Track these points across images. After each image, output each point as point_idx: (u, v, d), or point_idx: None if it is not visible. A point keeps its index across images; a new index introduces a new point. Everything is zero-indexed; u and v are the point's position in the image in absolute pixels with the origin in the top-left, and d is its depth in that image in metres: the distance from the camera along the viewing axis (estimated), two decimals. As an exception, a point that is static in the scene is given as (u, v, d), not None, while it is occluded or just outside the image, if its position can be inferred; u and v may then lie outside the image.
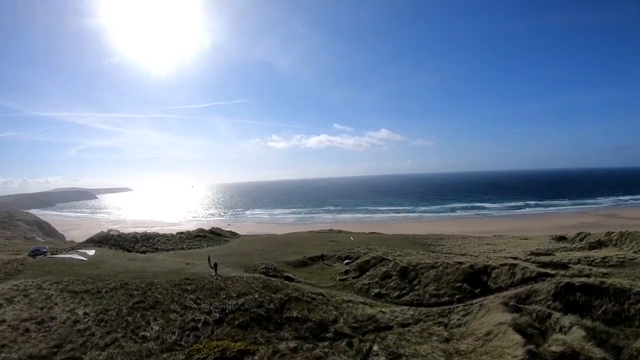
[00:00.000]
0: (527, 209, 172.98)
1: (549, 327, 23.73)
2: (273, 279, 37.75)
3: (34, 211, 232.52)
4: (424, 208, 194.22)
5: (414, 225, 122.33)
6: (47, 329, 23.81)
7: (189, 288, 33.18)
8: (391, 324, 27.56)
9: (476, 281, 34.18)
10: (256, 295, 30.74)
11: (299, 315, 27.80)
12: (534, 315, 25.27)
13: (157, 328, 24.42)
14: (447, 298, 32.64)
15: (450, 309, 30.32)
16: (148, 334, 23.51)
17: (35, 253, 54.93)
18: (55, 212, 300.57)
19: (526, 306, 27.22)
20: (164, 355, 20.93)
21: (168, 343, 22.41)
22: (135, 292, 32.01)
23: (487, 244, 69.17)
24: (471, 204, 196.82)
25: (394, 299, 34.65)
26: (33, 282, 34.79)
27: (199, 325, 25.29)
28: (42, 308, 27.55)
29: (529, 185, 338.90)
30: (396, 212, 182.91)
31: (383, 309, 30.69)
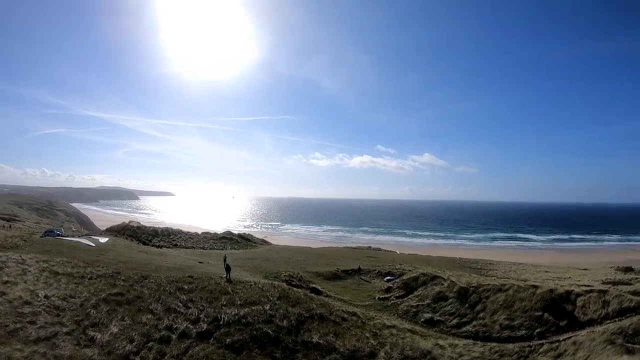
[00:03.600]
0: (572, 243, 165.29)
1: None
2: (295, 289, 30.68)
3: (76, 204, 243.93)
4: (464, 236, 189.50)
5: (454, 252, 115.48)
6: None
7: (185, 287, 27.08)
8: (455, 366, 19.78)
9: (559, 311, 27.66)
10: (267, 307, 23.82)
11: (321, 341, 20.57)
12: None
13: (115, 330, 18.33)
14: (524, 331, 26.22)
15: (531, 346, 23.79)
16: (99, 337, 17.46)
17: (47, 234, 53.09)
18: (96, 208, 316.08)
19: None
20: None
21: (115, 354, 16.03)
22: (121, 283, 26.88)
23: (545, 272, 60.06)
24: (513, 235, 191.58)
25: (452, 328, 28.19)
26: (21, 257, 31.73)
27: (174, 336, 18.83)
28: (4, 282, 23.66)
29: (573, 218, 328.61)
30: (435, 238, 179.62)
31: (440, 342, 23.56)
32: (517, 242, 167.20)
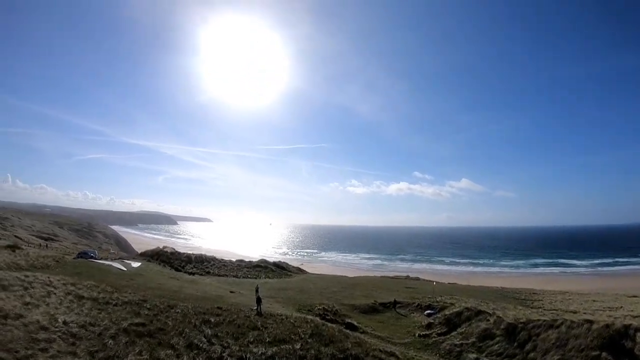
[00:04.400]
0: (617, 267, 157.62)
1: None
2: (330, 324, 28.28)
3: (115, 227, 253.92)
4: (504, 262, 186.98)
5: (494, 280, 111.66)
6: (1, 325, 17.88)
7: (212, 320, 25.47)
8: None
9: (617, 348, 24.35)
10: (297, 346, 21.58)
11: (357, 391, 17.97)
12: None
13: (130, 366, 16.66)
14: None
15: None
16: (111, 373, 15.81)
17: (81, 255, 53.96)
18: (135, 231, 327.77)
19: None
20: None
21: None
22: (145, 312, 25.74)
23: (594, 301, 54.69)
24: (555, 260, 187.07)
25: None
26: (49, 278, 31.52)
27: (192, 376, 16.85)
28: (25, 304, 23.05)
29: (617, 240, 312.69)
30: (474, 266, 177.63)
31: None
32: (559, 267, 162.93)
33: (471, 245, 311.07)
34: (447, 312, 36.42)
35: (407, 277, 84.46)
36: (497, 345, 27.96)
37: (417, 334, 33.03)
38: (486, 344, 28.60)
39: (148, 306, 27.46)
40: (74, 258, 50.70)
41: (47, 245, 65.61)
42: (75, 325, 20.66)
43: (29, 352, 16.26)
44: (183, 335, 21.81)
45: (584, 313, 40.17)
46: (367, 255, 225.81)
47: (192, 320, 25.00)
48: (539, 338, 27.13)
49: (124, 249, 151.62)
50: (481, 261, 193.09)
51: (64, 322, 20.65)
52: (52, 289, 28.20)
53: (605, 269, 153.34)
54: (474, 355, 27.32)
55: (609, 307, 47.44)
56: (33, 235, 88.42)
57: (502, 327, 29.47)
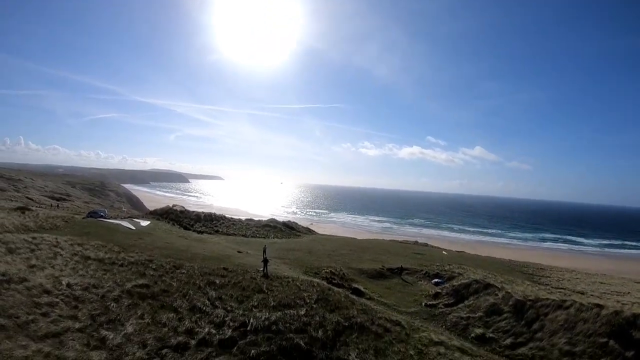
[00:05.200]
0: (624, 250, 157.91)
1: None
2: (336, 289, 28.12)
3: (128, 186, 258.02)
4: (512, 234, 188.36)
5: (501, 250, 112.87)
6: (4, 289, 17.96)
7: (217, 282, 25.45)
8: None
9: (625, 338, 23.44)
10: (302, 311, 21.46)
11: (359, 360, 17.84)
12: None
13: (130, 330, 16.73)
14: None
15: None
16: (111, 337, 15.90)
17: (91, 215, 54.53)
18: (147, 189, 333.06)
19: None
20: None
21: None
22: (150, 273, 25.86)
23: (601, 283, 54.04)
24: (563, 237, 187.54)
25: (506, 349, 24.87)
26: (56, 239, 31.85)
27: (192, 342, 16.82)
28: (30, 266, 23.26)
29: (629, 223, 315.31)
30: (483, 235, 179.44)
31: None
32: (567, 244, 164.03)
33: (481, 214, 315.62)
34: (455, 282, 35.96)
35: (416, 242, 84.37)
36: (504, 322, 27.54)
37: (423, 304, 32.72)
38: (493, 319, 28.18)
39: (154, 266, 27.59)
40: (83, 218, 51.15)
41: (58, 206, 66.51)
42: (79, 287, 20.74)
43: (30, 317, 16.30)
44: (187, 297, 21.83)
45: (592, 295, 39.80)
46: (377, 218, 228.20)
47: (197, 282, 25.03)
48: (546, 318, 26.66)
49: (136, 207, 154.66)
50: (490, 231, 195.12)
51: (68, 285, 20.74)
52: (59, 250, 28.44)
53: (613, 250, 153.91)
54: (480, 331, 26.91)
55: (616, 292, 46.92)
56: (45, 196, 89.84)
57: (510, 303, 28.98)
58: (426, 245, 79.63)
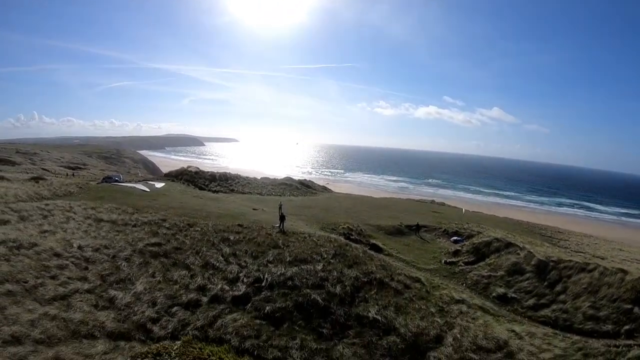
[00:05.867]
0: None
1: None
2: (353, 244, 27.33)
3: (143, 152, 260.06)
4: (529, 198, 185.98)
5: (517, 213, 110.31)
6: (14, 255, 17.60)
7: (231, 238, 24.88)
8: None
9: None
10: (319, 267, 20.73)
11: (379, 317, 17.14)
12: None
13: (140, 289, 16.28)
14: (610, 326, 21.52)
15: (618, 346, 18.70)
16: (120, 296, 15.52)
17: (105, 180, 54.51)
18: (163, 154, 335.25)
19: None
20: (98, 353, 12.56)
21: (131, 321, 13.98)
22: (163, 232, 25.53)
23: (620, 250, 52.74)
24: (579, 202, 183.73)
25: (528, 310, 23.98)
26: (69, 204, 31.72)
27: (204, 299, 16.32)
28: (42, 232, 22.98)
29: None
30: (499, 197, 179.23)
31: (515, 328, 19.28)
32: (583, 210, 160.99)
33: (498, 176, 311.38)
34: (475, 240, 34.84)
35: (433, 201, 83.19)
36: (526, 282, 26.60)
37: (443, 261, 32.07)
38: (515, 279, 27.30)
39: (167, 225, 27.33)
40: (97, 183, 51.19)
41: (73, 174, 66.79)
42: (90, 249, 20.41)
43: (39, 280, 15.92)
44: (200, 254, 21.35)
45: (612, 260, 38.50)
46: (393, 178, 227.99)
47: (211, 239, 24.57)
48: (569, 280, 25.62)
49: (152, 172, 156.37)
50: (506, 193, 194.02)
51: (79, 247, 20.43)
52: (72, 215, 28.22)
53: (630, 219, 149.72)
54: (502, 290, 26.02)
55: (636, 259, 45.47)
56: (62, 167, 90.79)
57: (532, 263, 27.92)
58: (443, 204, 78.48)
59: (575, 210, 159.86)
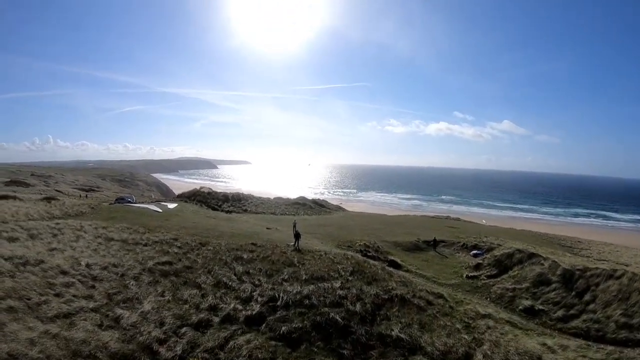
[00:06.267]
0: None
1: None
2: (371, 261, 26.20)
3: (157, 175, 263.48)
4: (545, 210, 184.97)
5: (534, 225, 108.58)
6: (19, 272, 16.94)
7: (244, 257, 23.96)
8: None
9: None
10: (337, 284, 19.59)
11: (403, 335, 15.86)
12: None
13: (148, 308, 15.33)
14: None
15: None
16: (126, 316, 14.56)
17: (118, 201, 54.47)
18: (176, 177, 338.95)
19: None
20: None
21: (136, 342, 13.01)
22: (174, 251, 24.75)
23: None
24: (595, 212, 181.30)
25: (557, 322, 22.98)
26: (80, 224, 31.32)
27: (216, 319, 15.28)
28: (50, 249, 22.48)
29: None
30: (514, 210, 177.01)
31: (547, 341, 17.94)
32: (600, 219, 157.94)
33: (511, 189, 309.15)
34: (496, 252, 33.82)
35: (448, 217, 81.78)
36: (553, 293, 25.50)
37: (464, 275, 30.93)
38: (541, 290, 26.22)
39: (178, 244, 26.59)
40: (110, 204, 51.12)
41: (86, 196, 67.00)
42: (98, 267, 19.67)
43: (43, 298, 15.16)
44: (211, 273, 20.42)
45: (637, 267, 37.65)
46: (406, 196, 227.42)
47: (223, 257, 23.70)
48: (598, 288, 24.57)
49: (165, 194, 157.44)
50: (521, 206, 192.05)
51: (87, 265, 19.71)
52: (82, 233, 27.70)
53: None
54: (529, 303, 24.89)
55: None
56: (76, 189, 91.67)
57: (558, 273, 26.85)
58: (458, 219, 76.87)
59: (592, 220, 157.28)
